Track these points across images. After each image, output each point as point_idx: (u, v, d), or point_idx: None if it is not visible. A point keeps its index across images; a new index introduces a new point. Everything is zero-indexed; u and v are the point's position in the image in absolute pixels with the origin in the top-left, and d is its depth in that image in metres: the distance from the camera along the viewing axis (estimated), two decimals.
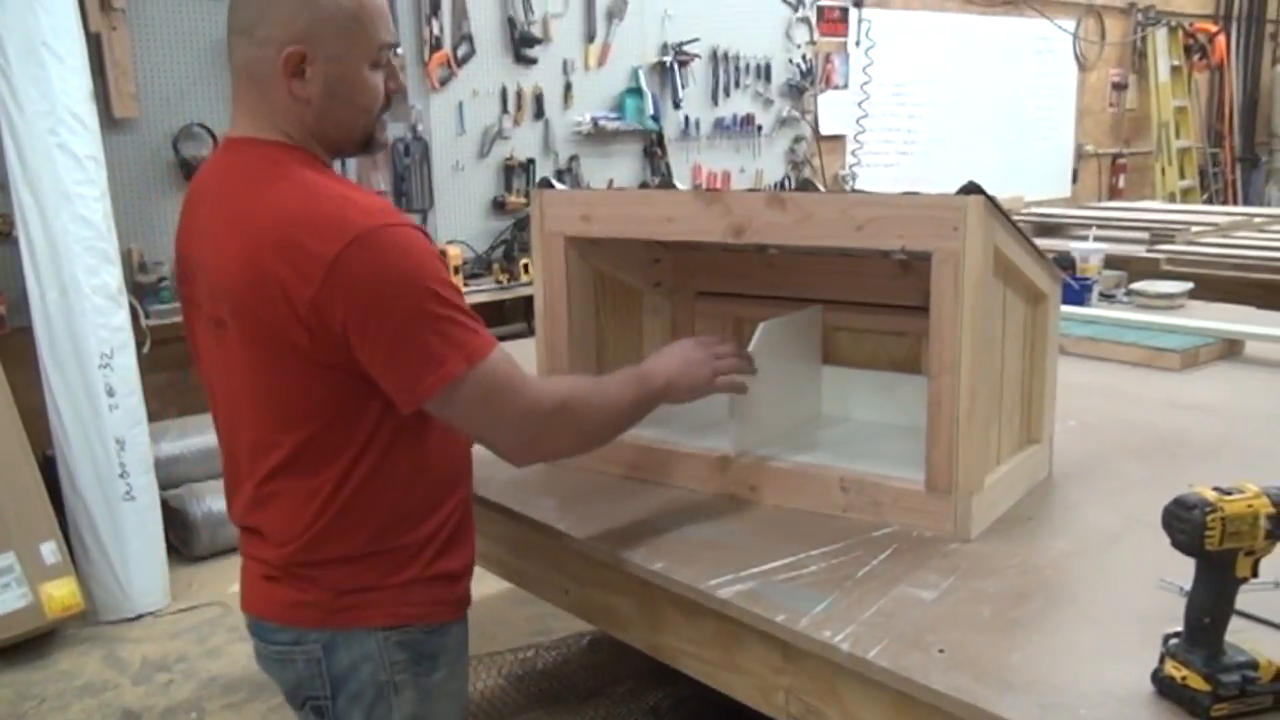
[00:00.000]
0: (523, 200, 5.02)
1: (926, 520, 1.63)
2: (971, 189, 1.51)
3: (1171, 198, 8.33)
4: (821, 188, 6.02)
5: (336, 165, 1.53)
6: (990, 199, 1.52)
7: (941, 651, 1.29)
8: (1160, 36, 8.43)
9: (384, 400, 1.38)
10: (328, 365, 1.35)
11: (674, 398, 1.64)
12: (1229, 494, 1.14)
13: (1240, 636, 1.21)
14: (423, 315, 1.33)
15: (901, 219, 1.56)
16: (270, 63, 1.38)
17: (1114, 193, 8.46)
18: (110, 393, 3.40)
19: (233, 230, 1.36)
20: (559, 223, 1.90)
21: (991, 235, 1.54)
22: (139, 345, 3.62)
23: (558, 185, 1.95)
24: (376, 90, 1.44)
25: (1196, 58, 8.75)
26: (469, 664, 1.64)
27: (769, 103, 6.14)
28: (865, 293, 2.01)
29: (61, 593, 3.30)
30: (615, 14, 5.40)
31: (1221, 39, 8.91)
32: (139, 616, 3.50)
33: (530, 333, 2.07)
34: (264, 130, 1.42)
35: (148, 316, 3.97)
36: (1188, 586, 1.20)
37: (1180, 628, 1.19)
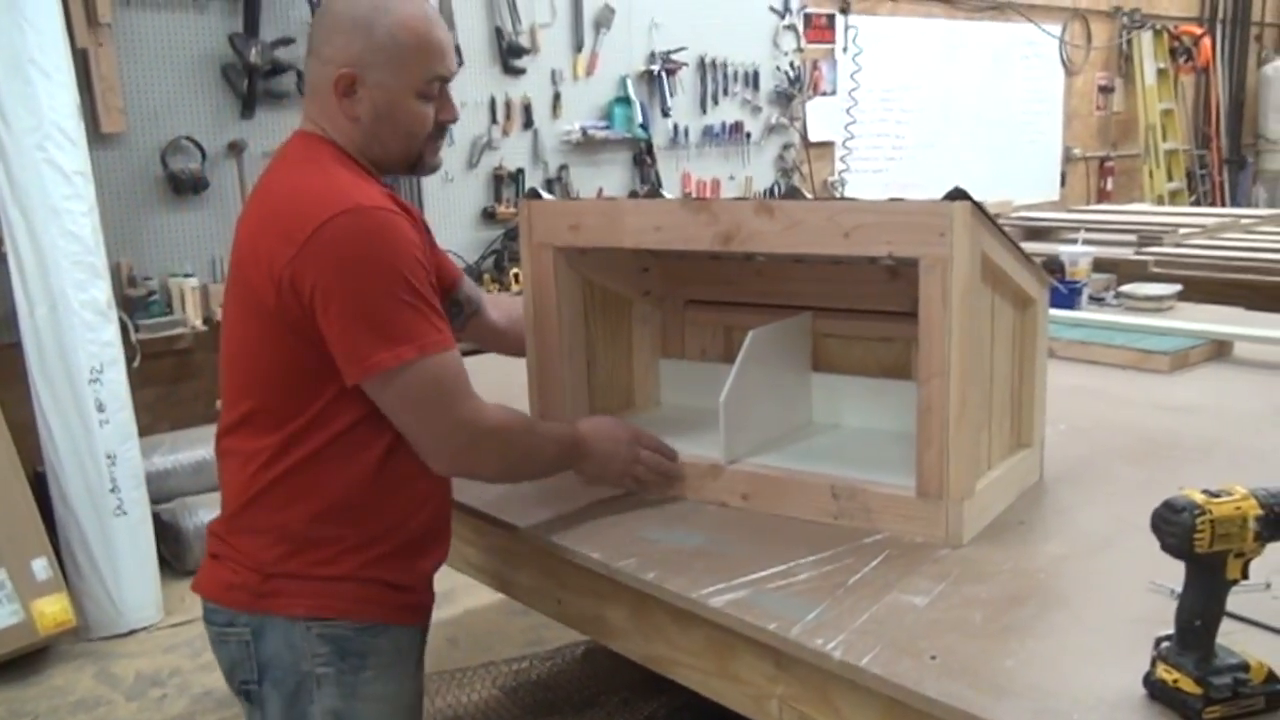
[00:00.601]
0: (512, 210, 5.03)
1: (918, 526, 1.63)
2: (958, 195, 1.51)
3: (1159, 200, 8.36)
4: (809, 195, 6.03)
5: None
6: (977, 205, 1.52)
7: (934, 658, 1.29)
8: (1146, 40, 8.47)
9: (344, 385, 1.44)
10: (291, 329, 1.42)
11: (581, 471, 1.75)
12: (1218, 496, 1.14)
13: (1231, 639, 1.21)
14: (388, 295, 1.39)
15: (889, 225, 1.56)
16: (328, 80, 1.51)
17: (1102, 196, 8.49)
18: (100, 408, 3.39)
19: (256, 206, 1.52)
20: (548, 233, 1.90)
21: (979, 241, 1.54)
22: (129, 360, 3.61)
23: (546, 195, 1.95)
24: (423, 118, 1.55)
25: (1182, 60, 8.80)
26: (414, 673, 1.63)
27: (757, 110, 6.16)
28: (854, 299, 2.01)
29: (53, 609, 3.29)
30: (603, 23, 5.41)
31: (1207, 41, 8.96)
32: (132, 632, 3.49)
33: None
34: (320, 130, 1.55)
35: (137, 331, 3.96)
36: (1179, 589, 1.20)
37: (1172, 631, 1.20)
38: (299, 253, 1.39)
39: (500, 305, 2.05)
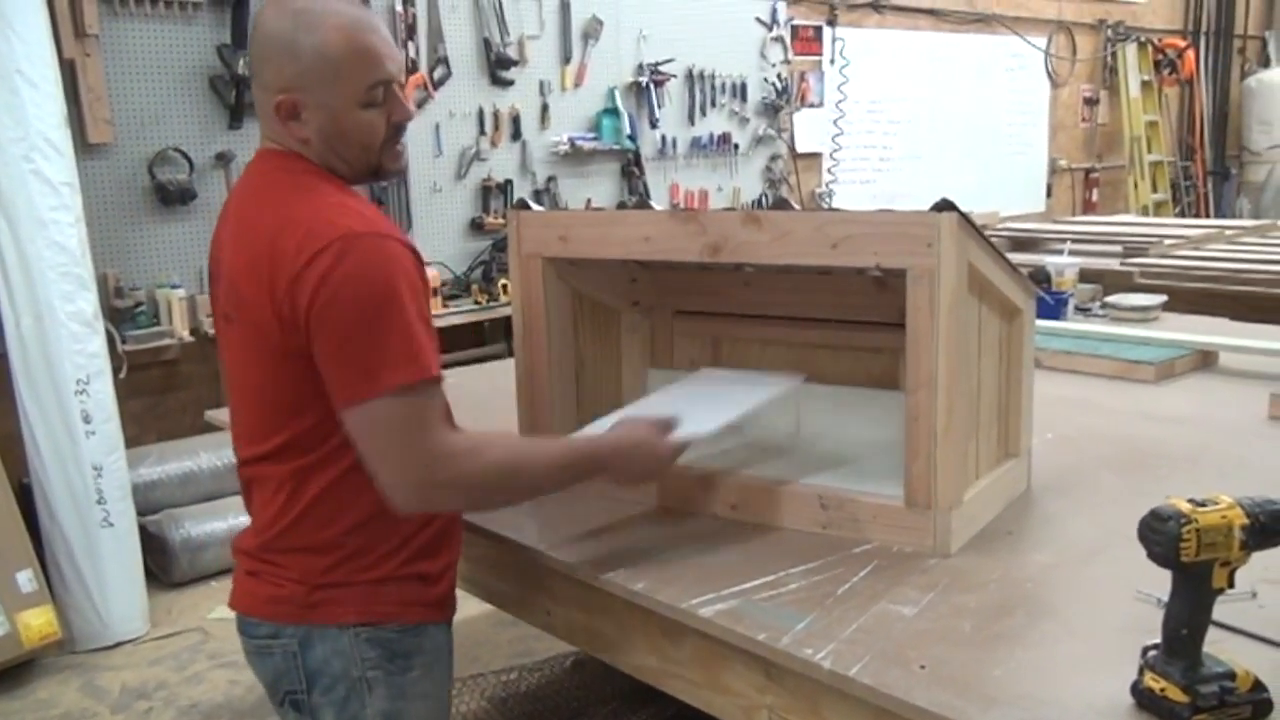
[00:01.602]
0: (501, 221, 5.02)
1: (906, 536, 1.64)
2: (945, 206, 1.52)
3: (1144, 211, 8.40)
4: (797, 206, 6.05)
5: None
6: (964, 216, 1.53)
7: (923, 668, 1.29)
8: (1130, 52, 8.53)
9: None
10: (301, 357, 1.41)
11: (614, 480, 1.64)
12: (1203, 505, 1.15)
13: (1218, 647, 1.22)
14: (376, 324, 1.37)
15: (876, 236, 1.57)
16: (270, 106, 1.47)
17: (1088, 207, 8.53)
18: (87, 419, 3.38)
19: (245, 232, 1.47)
20: (536, 244, 1.90)
21: (965, 251, 1.55)
22: (116, 371, 3.59)
23: (534, 206, 1.96)
24: (373, 128, 1.49)
25: (1166, 73, 8.86)
26: (450, 668, 1.65)
27: (745, 121, 6.18)
28: (842, 310, 2.02)
29: (39, 621, 3.27)
30: (591, 35, 5.43)
31: (1190, 54, 9.02)
32: (118, 644, 3.46)
33: (509, 353, 2.07)
34: (285, 146, 1.51)
35: (124, 342, 3.94)
36: (1166, 598, 1.21)
37: (1159, 639, 1.20)
38: (292, 283, 1.37)
39: None
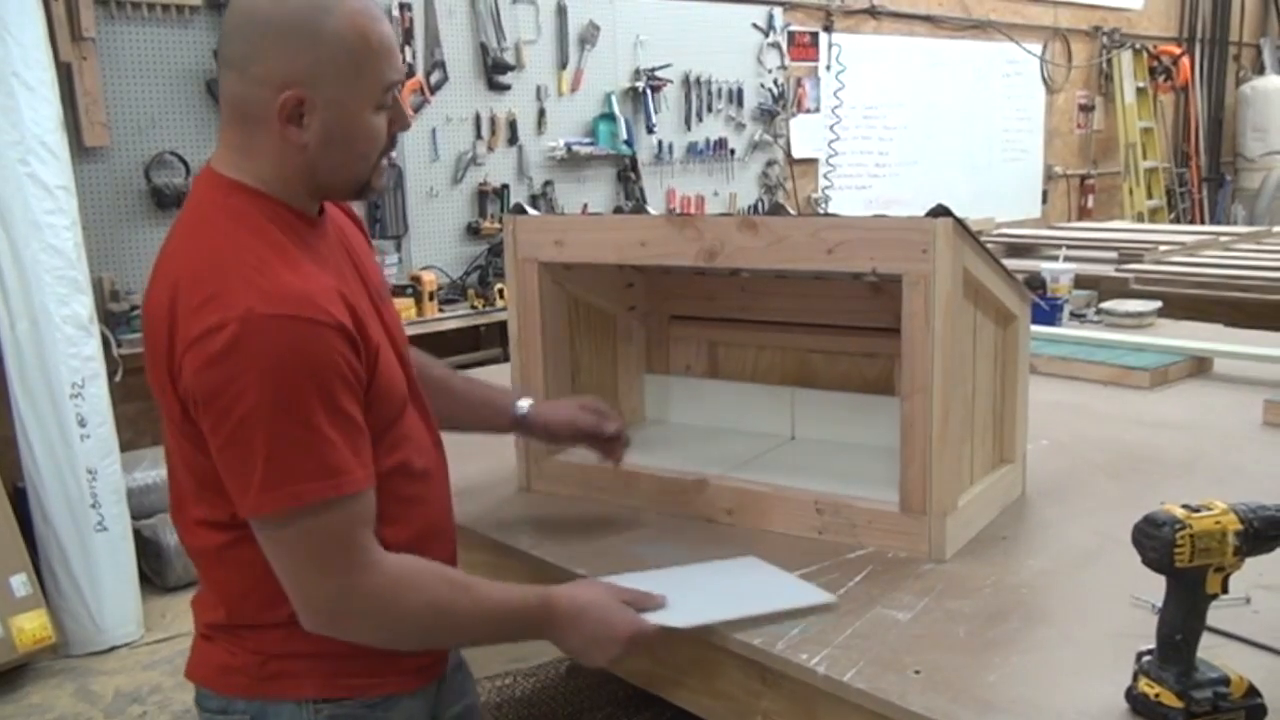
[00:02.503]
0: (497, 226, 5.02)
1: (901, 541, 1.64)
2: (940, 212, 1.52)
3: (1139, 217, 8.42)
4: (793, 211, 6.06)
5: None
6: (959, 221, 1.54)
7: (918, 672, 1.29)
8: (1125, 59, 8.54)
9: None
10: (201, 436, 1.22)
11: (561, 644, 1.41)
12: (1198, 511, 1.16)
13: (1212, 653, 1.22)
14: (265, 426, 1.16)
15: (872, 242, 1.57)
16: (265, 104, 1.24)
17: (1083, 213, 8.55)
18: (82, 423, 3.37)
19: (159, 274, 1.27)
20: (533, 248, 1.90)
21: (961, 257, 1.56)
22: (111, 375, 3.59)
23: (531, 211, 1.96)
24: (378, 135, 1.30)
25: (1161, 79, 8.88)
26: None
27: (741, 127, 6.18)
28: (838, 315, 2.02)
29: (32, 625, 3.26)
30: (588, 40, 5.43)
31: (1186, 61, 9.04)
32: (112, 648, 3.45)
33: (505, 358, 2.07)
34: (238, 169, 1.29)
35: (119, 346, 3.93)
36: (1160, 604, 1.21)
37: (1153, 645, 1.20)
38: (178, 362, 1.19)
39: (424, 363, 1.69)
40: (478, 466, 2.10)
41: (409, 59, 4.78)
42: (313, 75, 1.23)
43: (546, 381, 1.96)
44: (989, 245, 1.67)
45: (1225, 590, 1.18)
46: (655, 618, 1.43)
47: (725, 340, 2.19)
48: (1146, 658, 1.21)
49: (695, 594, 1.51)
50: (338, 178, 1.31)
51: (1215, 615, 1.22)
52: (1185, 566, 1.15)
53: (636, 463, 1.93)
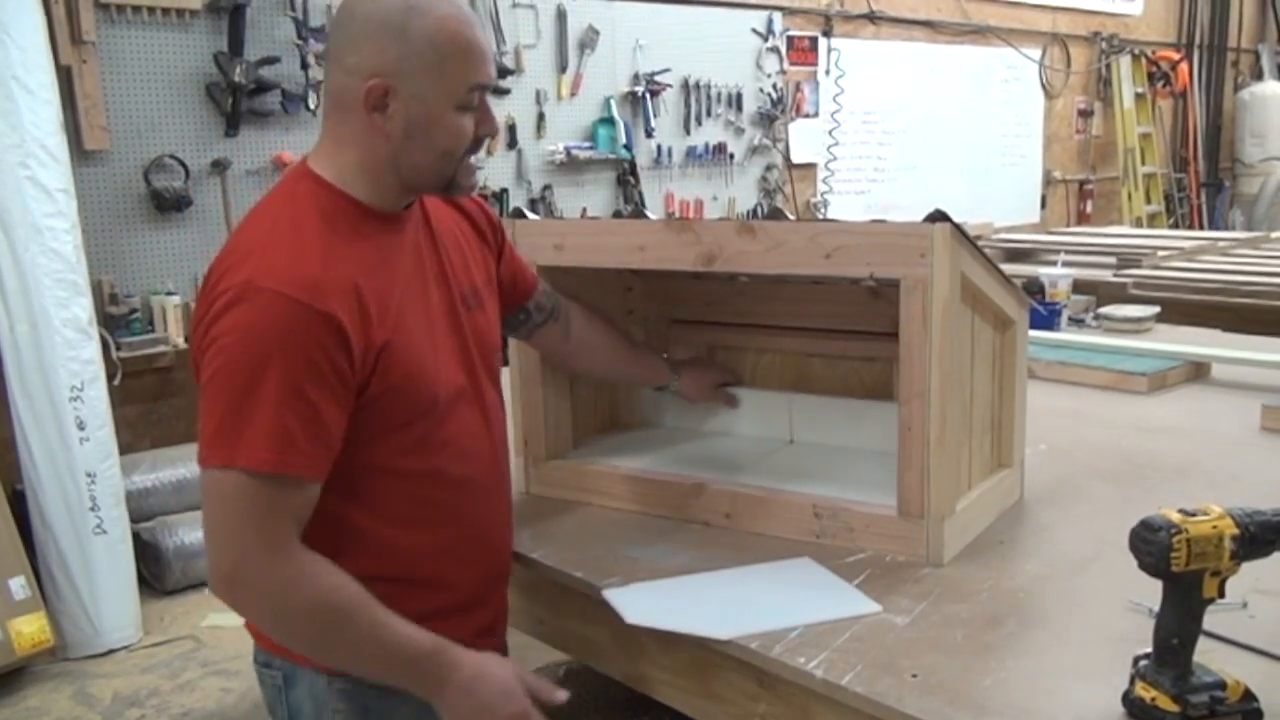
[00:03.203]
0: None
1: (899, 545, 1.64)
2: (938, 217, 1.53)
3: (1138, 223, 8.43)
4: (791, 216, 6.06)
5: None
6: (957, 227, 1.54)
7: (915, 676, 1.30)
8: (1124, 64, 8.56)
9: (347, 448, 1.32)
10: None
11: (444, 707, 1.36)
12: (1194, 516, 1.16)
13: (1208, 657, 1.22)
14: (232, 385, 1.23)
15: (870, 247, 1.57)
16: (354, 93, 1.33)
17: (1082, 218, 8.56)
18: (81, 426, 3.37)
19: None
20: (532, 252, 1.90)
21: (958, 262, 1.56)
22: (110, 378, 3.59)
23: (530, 215, 1.96)
24: (461, 133, 1.37)
25: (1160, 85, 8.89)
26: None
27: (740, 131, 6.19)
28: (836, 319, 2.03)
29: (31, 628, 3.26)
30: (587, 45, 5.44)
31: (1184, 67, 9.06)
32: (110, 652, 3.45)
33: (505, 362, 2.06)
34: (322, 163, 1.38)
35: (119, 349, 3.94)
36: (1157, 608, 1.21)
37: (1150, 649, 1.21)
38: (195, 326, 1.30)
39: (585, 320, 1.86)
40: None
41: None
42: (399, 68, 1.31)
43: (544, 385, 1.96)
44: (987, 250, 1.68)
45: (1222, 595, 1.18)
46: (701, 628, 1.44)
47: (724, 344, 2.19)
48: (1143, 662, 1.21)
49: (743, 602, 1.52)
50: (421, 172, 1.38)
51: (1212, 620, 1.23)
52: (1181, 571, 1.15)
53: (635, 466, 1.93)
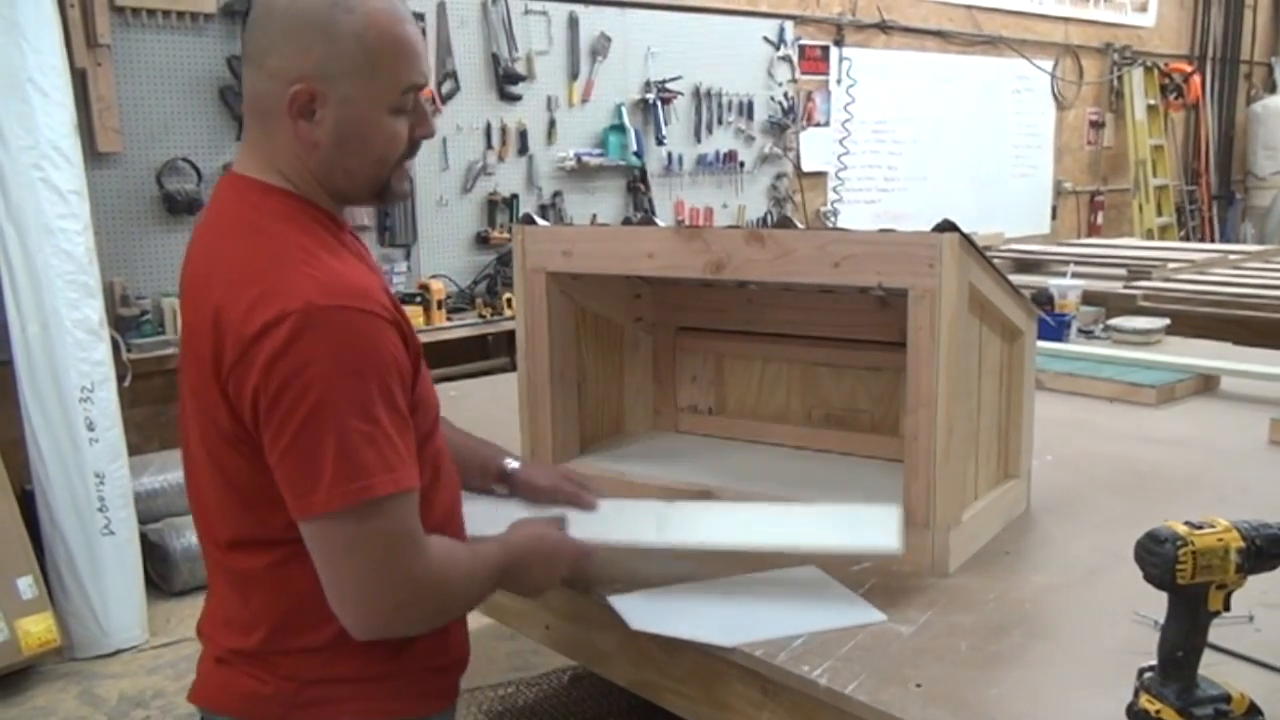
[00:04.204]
0: (506, 235, 5.04)
1: (904, 554, 1.64)
2: (946, 227, 1.53)
3: (1149, 235, 8.41)
4: (800, 224, 6.05)
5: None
6: (965, 237, 1.54)
7: (919, 686, 1.30)
8: (1136, 76, 8.55)
9: None
10: (254, 444, 1.19)
11: (522, 590, 1.48)
12: (1200, 528, 1.16)
13: (1214, 670, 1.22)
14: (333, 419, 1.13)
15: (878, 256, 1.58)
16: (277, 99, 1.22)
17: (1092, 230, 8.54)
18: (90, 427, 3.39)
19: (195, 284, 1.25)
20: (541, 258, 1.91)
21: (966, 272, 1.56)
22: (120, 379, 3.60)
23: (540, 221, 1.97)
24: (396, 137, 1.27)
25: (1172, 97, 8.88)
26: None
27: (751, 140, 6.20)
28: (844, 328, 2.03)
29: (38, 628, 3.27)
30: (599, 52, 5.45)
31: (1196, 79, 9.04)
32: (116, 652, 3.46)
33: (513, 367, 2.08)
34: (263, 170, 1.27)
35: (129, 350, 3.95)
36: (1162, 620, 1.21)
37: (1155, 661, 1.20)
38: (237, 361, 1.15)
39: None
40: None
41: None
42: (326, 71, 1.21)
43: (553, 391, 1.96)
44: (997, 260, 1.68)
45: (1227, 608, 1.18)
46: (706, 635, 1.45)
47: (732, 352, 2.19)
48: (1148, 674, 1.21)
49: (748, 610, 1.52)
50: (355, 180, 1.28)
51: (1218, 633, 1.22)
52: (1187, 583, 1.15)
53: (642, 473, 1.93)
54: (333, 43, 1.20)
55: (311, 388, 1.13)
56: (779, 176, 6.38)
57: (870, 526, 1.55)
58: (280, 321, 1.13)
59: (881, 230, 1.61)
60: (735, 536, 1.58)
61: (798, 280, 1.70)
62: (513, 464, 1.75)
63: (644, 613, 1.52)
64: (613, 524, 1.63)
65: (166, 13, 4.06)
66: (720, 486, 1.85)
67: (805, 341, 2.08)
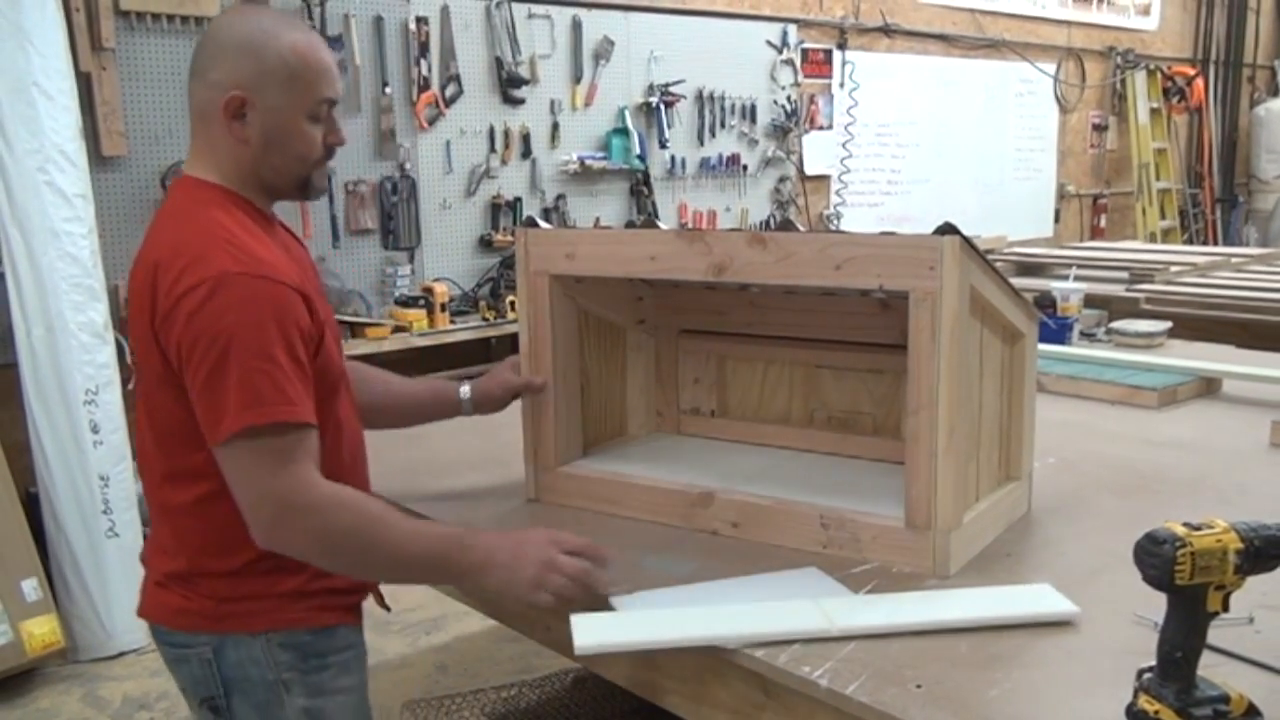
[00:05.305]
0: (509, 238, 5.05)
1: (906, 556, 1.64)
2: (947, 230, 1.53)
3: (1152, 238, 8.41)
4: (802, 227, 6.07)
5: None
6: (966, 239, 1.55)
7: (919, 687, 1.30)
8: (1139, 79, 8.56)
9: None
10: (181, 388, 1.44)
11: (482, 584, 1.56)
12: (1199, 529, 1.16)
13: (1212, 671, 1.22)
14: (237, 359, 1.39)
15: (879, 259, 1.58)
16: (215, 104, 1.50)
17: (1095, 233, 8.55)
18: (95, 429, 3.40)
19: (140, 259, 1.50)
20: (544, 261, 1.92)
21: (968, 275, 1.57)
22: (124, 382, 3.62)
23: (543, 224, 1.97)
24: (313, 141, 1.55)
25: (1175, 100, 8.89)
26: (364, 663, 1.67)
27: (754, 143, 6.21)
28: (846, 331, 2.03)
29: (42, 630, 3.28)
30: (602, 55, 5.47)
31: (1200, 82, 9.05)
32: (120, 654, 3.47)
33: None
34: (204, 170, 1.54)
35: (133, 353, 3.96)
36: (1162, 621, 1.21)
37: (1154, 662, 1.21)
38: (164, 319, 1.42)
39: (360, 384, 1.85)
40: (486, 476, 2.12)
41: (425, 72, 4.82)
42: (256, 82, 1.49)
43: (556, 393, 1.97)
44: (999, 263, 1.69)
45: (1226, 609, 1.18)
46: (706, 635, 1.45)
47: (734, 355, 2.20)
48: (1147, 675, 1.21)
49: (750, 611, 1.52)
50: (279, 175, 1.56)
51: (1217, 634, 1.23)
52: (1186, 584, 1.15)
53: (643, 475, 1.94)
54: (262, 60, 1.49)
55: (220, 336, 1.39)
56: (782, 179, 6.39)
57: (1032, 598, 1.53)
58: (199, 285, 1.40)
59: (883, 233, 1.62)
60: (919, 616, 1.48)
61: (799, 283, 1.71)
62: (465, 390, 1.97)
63: (645, 614, 1.53)
64: (771, 618, 1.50)
65: (171, 17, 4.08)
66: (723, 489, 1.85)
67: (807, 344, 2.09)
